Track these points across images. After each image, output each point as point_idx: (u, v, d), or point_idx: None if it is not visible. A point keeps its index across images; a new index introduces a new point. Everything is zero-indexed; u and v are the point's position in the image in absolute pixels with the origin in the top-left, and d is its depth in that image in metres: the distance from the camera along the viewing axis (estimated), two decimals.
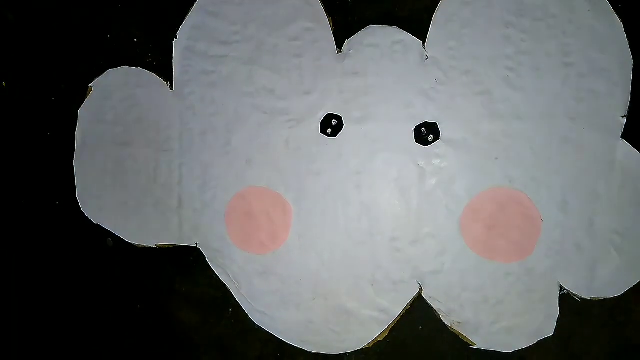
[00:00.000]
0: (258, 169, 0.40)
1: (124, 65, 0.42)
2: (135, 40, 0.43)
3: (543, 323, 0.37)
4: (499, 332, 0.37)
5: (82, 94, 0.42)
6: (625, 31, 0.36)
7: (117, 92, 0.42)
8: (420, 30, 0.38)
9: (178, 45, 0.41)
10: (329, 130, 0.39)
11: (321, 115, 0.39)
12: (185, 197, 0.41)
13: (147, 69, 0.42)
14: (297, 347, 0.40)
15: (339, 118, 0.39)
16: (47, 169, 0.44)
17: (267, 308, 0.40)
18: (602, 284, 0.36)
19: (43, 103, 0.44)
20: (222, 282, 0.41)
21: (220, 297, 0.42)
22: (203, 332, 0.42)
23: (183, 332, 0.42)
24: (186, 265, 0.41)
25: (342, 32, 0.39)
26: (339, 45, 0.39)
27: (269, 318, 0.40)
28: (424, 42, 0.38)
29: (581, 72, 0.36)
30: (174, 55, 0.41)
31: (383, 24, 0.38)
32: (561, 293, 0.36)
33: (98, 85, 0.42)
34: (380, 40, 0.38)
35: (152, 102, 0.42)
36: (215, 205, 0.40)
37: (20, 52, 0.44)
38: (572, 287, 0.36)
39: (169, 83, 0.42)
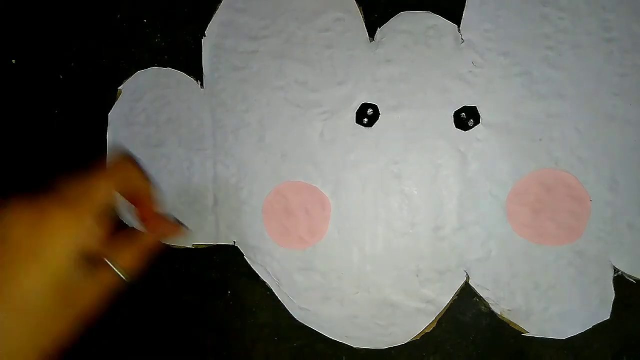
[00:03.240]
0: (294, 163, 0.39)
1: (133, 46, 0.42)
2: (145, 20, 0.42)
3: (598, 307, 0.35)
4: (552, 318, 0.36)
5: (90, 73, 0.43)
6: None
7: (148, 94, 0.42)
8: (454, 13, 0.37)
9: (207, 43, 0.41)
10: (365, 120, 0.38)
11: (356, 105, 0.39)
12: (221, 195, 0.40)
13: (156, 50, 0.42)
14: (294, 331, 0.40)
15: (374, 107, 0.38)
16: (53, 146, 0.44)
17: (310, 304, 0.39)
18: None
19: (51, 81, 0.44)
20: (222, 265, 0.41)
21: (219, 279, 0.41)
22: (201, 314, 0.41)
23: (181, 313, 0.42)
24: (187, 247, 0.41)
25: (374, 20, 0.39)
26: (371, 34, 0.39)
27: (312, 314, 0.39)
28: (458, 26, 0.37)
29: (624, 47, 0.35)
30: (203, 53, 0.41)
31: (415, 10, 0.38)
32: (615, 275, 0.35)
33: (127, 87, 0.42)
34: (414, 26, 0.38)
35: (183, 101, 0.41)
36: (252, 202, 0.40)
37: (29, 30, 0.44)
38: (626, 269, 0.35)
39: (199, 81, 0.41)
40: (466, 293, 0.38)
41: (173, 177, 0.41)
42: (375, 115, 0.38)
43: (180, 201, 0.41)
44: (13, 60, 0.44)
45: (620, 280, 0.35)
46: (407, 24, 0.38)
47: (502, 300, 0.37)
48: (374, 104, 0.38)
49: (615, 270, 0.35)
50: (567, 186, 0.36)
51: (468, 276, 0.37)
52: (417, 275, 0.38)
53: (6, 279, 0.27)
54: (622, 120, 0.35)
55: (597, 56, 0.36)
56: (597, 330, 0.35)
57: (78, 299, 0.29)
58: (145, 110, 0.42)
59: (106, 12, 0.43)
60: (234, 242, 0.40)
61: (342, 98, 0.39)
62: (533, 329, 0.36)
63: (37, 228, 0.27)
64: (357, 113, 0.39)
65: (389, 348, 0.38)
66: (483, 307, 0.37)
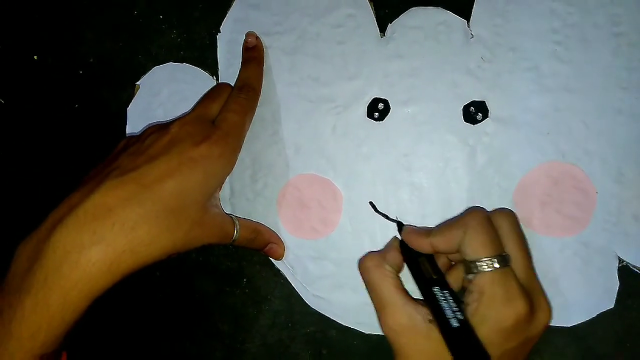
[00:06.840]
0: (307, 156, 0.41)
1: (149, 42, 0.44)
2: (161, 16, 0.44)
3: (602, 296, 0.36)
4: (557, 307, 0.37)
5: (108, 68, 0.44)
6: None
7: (165, 89, 0.43)
8: (463, 9, 0.38)
9: (222, 39, 0.42)
10: (376, 114, 0.39)
11: (367, 100, 0.40)
12: (237, 187, 0.42)
13: (172, 46, 0.43)
14: (308, 318, 0.41)
15: (385, 102, 0.39)
16: (73, 139, 0.46)
17: (323, 292, 0.40)
18: None
19: (71, 76, 0.45)
20: (238, 254, 0.42)
21: (235, 268, 0.42)
22: (218, 301, 0.43)
23: (199, 300, 0.43)
24: None
25: (384, 16, 0.40)
26: (382, 29, 0.40)
27: (325, 302, 0.40)
28: (468, 21, 0.38)
29: (632, 41, 0.36)
30: (218, 49, 0.42)
31: (425, 5, 0.39)
32: (620, 265, 0.36)
33: (145, 82, 0.44)
34: (424, 22, 0.39)
35: (199, 96, 0.42)
36: (266, 194, 0.41)
37: (50, 28, 0.46)
38: (630, 259, 0.36)
39: (214, 76, 0.43)
40: None
41: None
42: (386, 109, 0.39)
43: None
44: (35, 57, 0.46)
45: (625, 271, 0.36)
46: (417, 20, 0.39)
47: None
48: (385, 99, 0.39)
49: (620, 260, 0.36)
50: (574, 179, 0.36)
51: None
52: None
53: (167, 176, 0.32)
54: (629, 113, 0.36)
55: (605, 50, 0.36)
56: (601, 318, 0.36)
57: (201, 225, 0.34)
58: (162, 104, 0.43)
59: (123, 9, 0.44)
60: None
61: (353, 93, 0.40)
62: None
63: (200, 146, 0.33)
64: (368, 107, 0.40)
65: None
66: None
